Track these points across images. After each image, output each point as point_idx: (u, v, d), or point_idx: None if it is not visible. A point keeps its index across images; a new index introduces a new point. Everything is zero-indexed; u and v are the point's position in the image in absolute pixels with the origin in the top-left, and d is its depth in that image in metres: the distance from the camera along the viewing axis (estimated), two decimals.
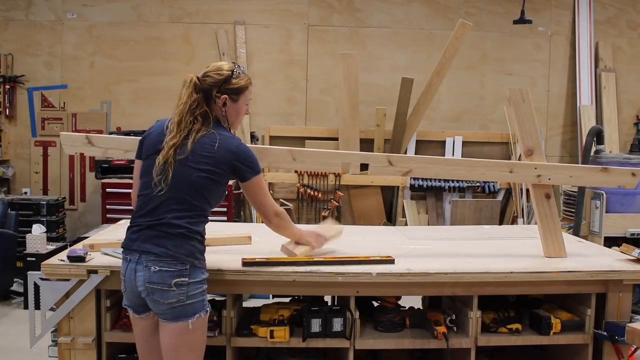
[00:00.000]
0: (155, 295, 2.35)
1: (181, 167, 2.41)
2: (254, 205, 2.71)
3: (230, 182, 6.05)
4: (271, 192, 6.47)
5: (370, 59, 6.77)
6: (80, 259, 2.67)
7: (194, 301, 2.38)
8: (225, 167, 2.46)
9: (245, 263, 2.70)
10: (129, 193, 2.71)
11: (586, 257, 3.07)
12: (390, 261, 2.82)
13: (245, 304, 3.27)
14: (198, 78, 2.53)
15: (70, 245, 3.73)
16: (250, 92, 2.63)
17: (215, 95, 2.51)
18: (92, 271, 2.64)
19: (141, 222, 2.42)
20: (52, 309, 2.69)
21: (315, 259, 2.80)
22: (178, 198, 2.40)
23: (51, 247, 5.49)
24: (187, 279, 2.36)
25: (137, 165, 2.58)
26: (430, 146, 6.73)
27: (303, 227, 3.02)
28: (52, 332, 2.82)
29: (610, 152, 6.32)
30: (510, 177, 3.02)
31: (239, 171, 2.51)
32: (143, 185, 2.48)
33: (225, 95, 2.52)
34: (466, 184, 6.43)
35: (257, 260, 2.73)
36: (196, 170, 2.41)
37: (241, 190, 7.17)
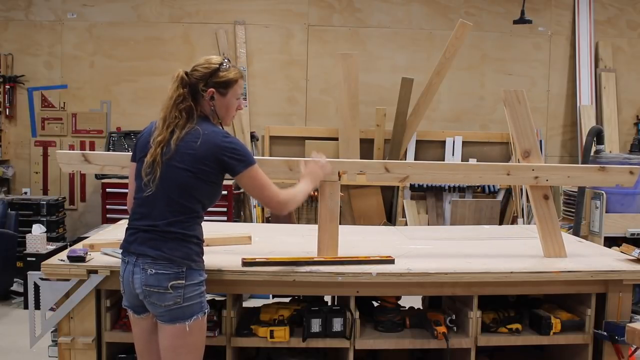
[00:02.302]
0: (152, 298, 2.34)
1: (168, 168, 2.36)
2: (255, 199, 2.65)
3: (230, 182, 6.06)
4: None
5: (370, 59, 6.77)
6: (80, 259, 2.67)
7: (192, 303, 2.36)
8: (211, 163, 2.36)
9: (245, 263, 2.70)
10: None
11: (586, 257, 3.07)
12: (390, 261, 2.83)
13: (245, 304, 3.27)
14: (186, 72, 2.46)
15: (70, 245, 3.74)
16: (240, 86, 2.50)
17: (201, 89, 2.43)
18: (92, 271, 2.64)
19: (137, 226, 2.41)
20: (52, 309, 2.70)
21: (315, 259, 2.80)
22: (168, 200, 2.36)
23: (51, 247, 5.49)
24: (183, 282, 2.34)
25: (132, 168, 2.55)
26: (430, 146, 6.73)
27: (301, 227, 2.99)
28: (52, 332, 2.82)
29: (610, 152, 6.32)
30: (508, 179, 3.02)
31: (227, 165, 2.39)
32: (137, 188, 2.46)
33: (212, 89, 2.44)
34: (466, 184, 6.43)
35: (257, 260, 2.73)
36: (182, 170, 2.35)
37: (241, 190, 7.14)
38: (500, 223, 6.43)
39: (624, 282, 2.82)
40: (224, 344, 2.79)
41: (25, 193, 6.66)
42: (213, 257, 2.76)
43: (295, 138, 6.62)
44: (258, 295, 4.44)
